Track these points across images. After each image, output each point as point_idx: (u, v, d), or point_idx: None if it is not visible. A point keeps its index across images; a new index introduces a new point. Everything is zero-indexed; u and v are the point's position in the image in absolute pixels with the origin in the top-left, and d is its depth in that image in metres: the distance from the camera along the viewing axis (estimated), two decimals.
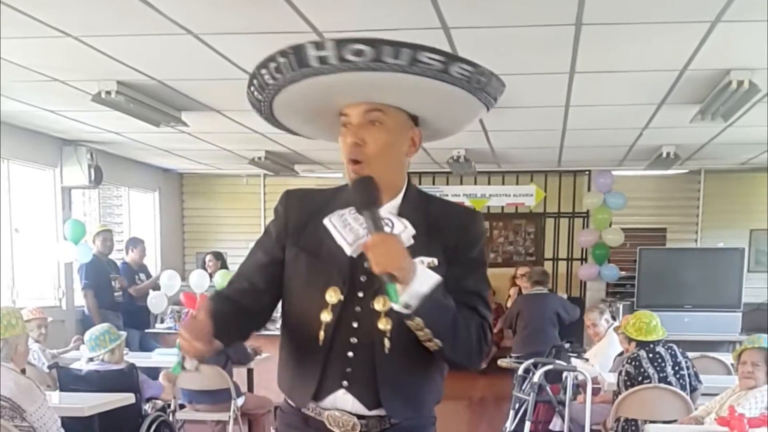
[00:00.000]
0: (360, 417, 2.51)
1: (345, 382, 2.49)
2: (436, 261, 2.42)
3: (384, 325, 2.42)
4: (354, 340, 2.47)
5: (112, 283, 10.36)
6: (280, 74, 2.33)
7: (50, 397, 5.15)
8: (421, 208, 2.53)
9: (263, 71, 2.36)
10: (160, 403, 6.89)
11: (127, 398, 5.89)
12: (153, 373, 7.43)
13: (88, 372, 6.17)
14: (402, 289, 2.26)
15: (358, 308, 2.46)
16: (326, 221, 2.45)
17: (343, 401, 2.51)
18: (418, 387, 2.54)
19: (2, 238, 9.21)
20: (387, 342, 2.43)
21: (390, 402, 2.49)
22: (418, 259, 2.34)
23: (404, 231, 2.42)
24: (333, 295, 2.44)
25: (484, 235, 2.60)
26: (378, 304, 2.43)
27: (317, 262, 2.50)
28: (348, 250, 2.41)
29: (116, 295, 10.35)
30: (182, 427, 7.64)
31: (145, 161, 12.32)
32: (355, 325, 2.46)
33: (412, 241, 2.40)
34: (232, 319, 2.52)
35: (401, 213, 2.50)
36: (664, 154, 10.20)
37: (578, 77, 6.66)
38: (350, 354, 2.48)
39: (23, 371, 5.03)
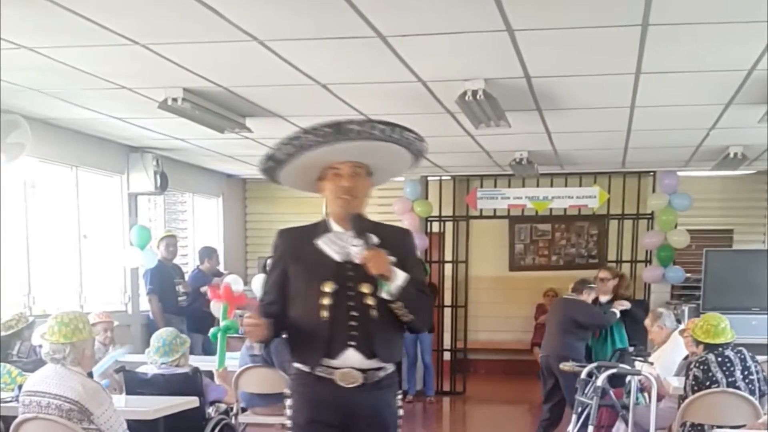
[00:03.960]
0: (362, 371, 3.78)
1: (352, 342, 3.76)
2: (394, 259, 3.75)
3: (370, 301, 3.75)
4: (354, 313, 3.76)
5: (177, 287, 10.48)
6: (321, 138, 3.64)
7: (116, 400, 5.21)
8: (372, 228, 3.83)
9: (309, 135, 3.67)
10: (223, 406, 6.93)
11: (192, 401, 5.93)
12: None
13: (153, 375, 6.23)
14: (388, 283, 3.69)
15: (351, 292, 3.77)
16: (319, 242, 3.86)
17: (352, 357, 3.77)
18: (395, 340, 3.94)
19: (71, 244, 9.39)
20: (374, 312, 3.77)
21: (381, 350, 3.81)
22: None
23: (375, 241, 3.76)
24: (328, 286, 3.76)
25: (414, 243, 4.15)
26: (364, 288, 3.76)
27: (312, 267, 3.83)
28: (337, 258, 3.80)
29: (180, 300, 10.46)
30: (244, 431, 7.69)
31: (209, 167, 12.46)
32: (352, 303, 3.77)
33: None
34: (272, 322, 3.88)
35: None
36: (731, 155, 10.04)
37: (644, 78, 6.58)
38: (353, 323, 3.76)
39: (90, 375, 5.10)
